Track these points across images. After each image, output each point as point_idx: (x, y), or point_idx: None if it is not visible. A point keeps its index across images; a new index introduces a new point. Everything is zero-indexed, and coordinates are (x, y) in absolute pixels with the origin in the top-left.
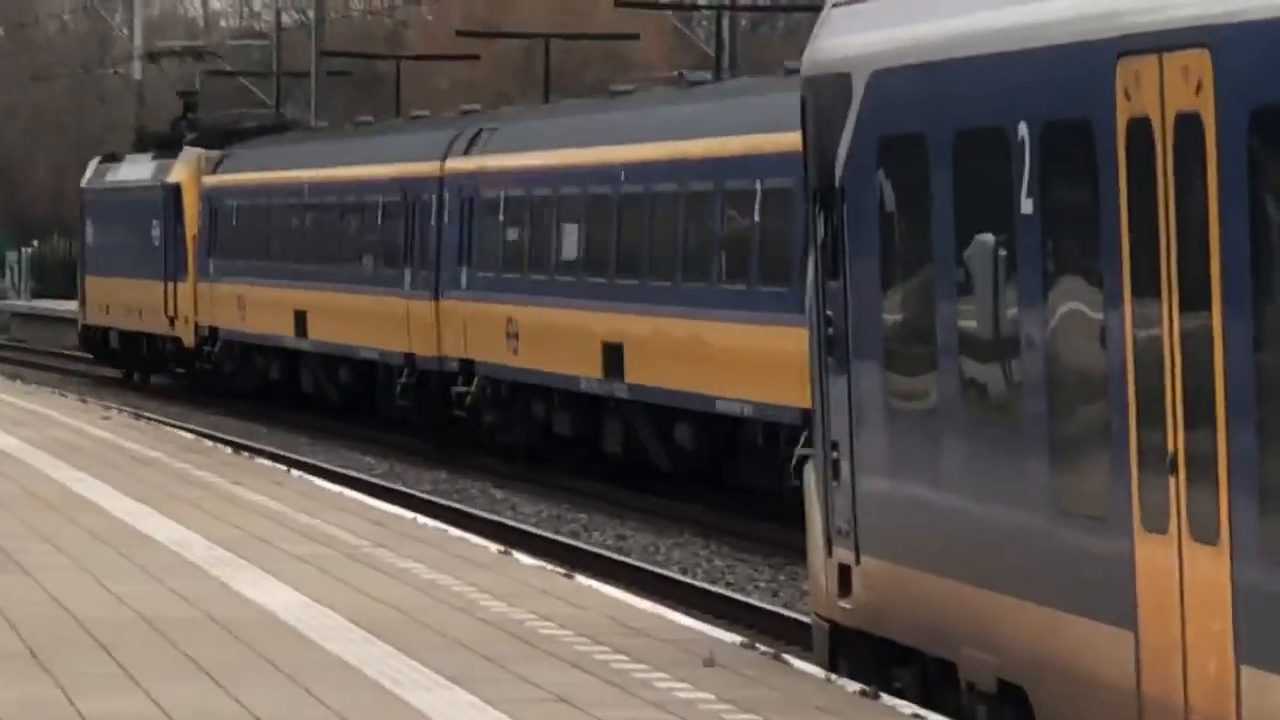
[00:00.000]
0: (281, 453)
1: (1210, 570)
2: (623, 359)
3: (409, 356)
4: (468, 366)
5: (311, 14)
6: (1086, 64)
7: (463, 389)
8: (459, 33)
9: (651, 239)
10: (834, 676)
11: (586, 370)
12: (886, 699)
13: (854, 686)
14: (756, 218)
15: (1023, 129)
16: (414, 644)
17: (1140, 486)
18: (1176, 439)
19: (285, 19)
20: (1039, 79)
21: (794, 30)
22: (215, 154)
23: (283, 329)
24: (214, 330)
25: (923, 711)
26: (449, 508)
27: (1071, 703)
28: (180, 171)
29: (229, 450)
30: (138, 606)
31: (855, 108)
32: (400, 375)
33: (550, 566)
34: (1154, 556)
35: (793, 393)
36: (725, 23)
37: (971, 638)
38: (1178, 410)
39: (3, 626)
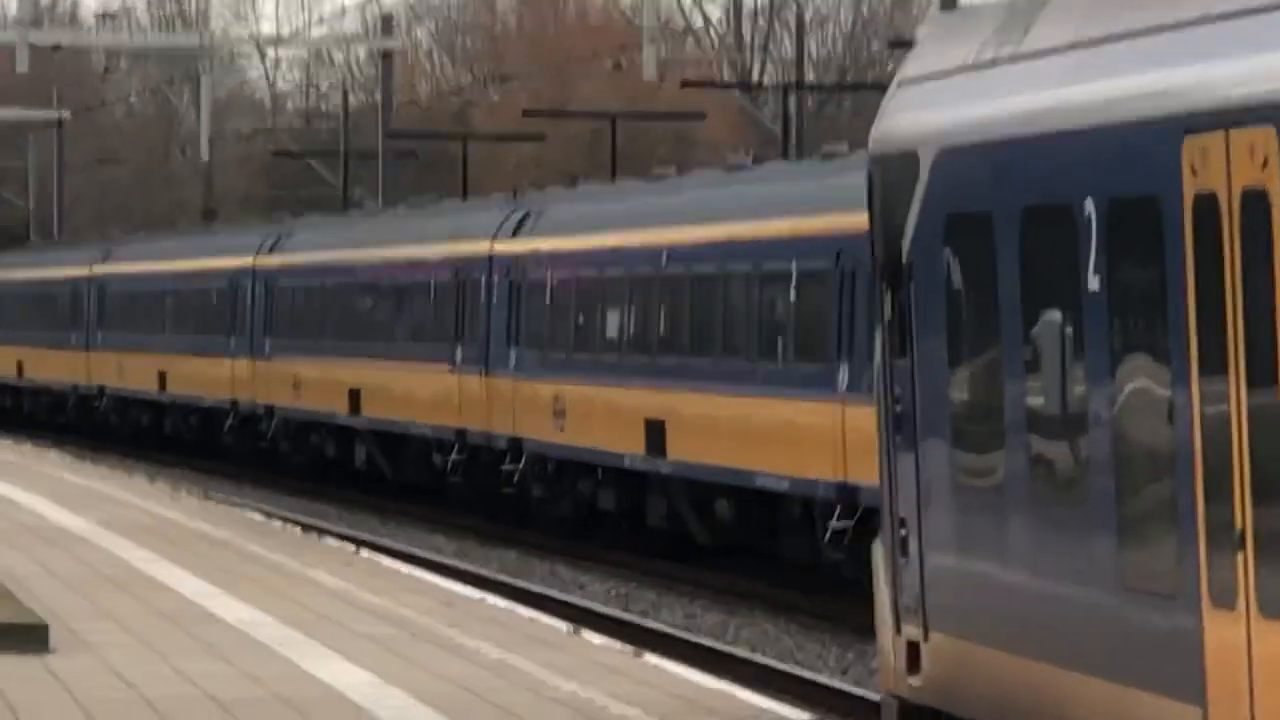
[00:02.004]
0: (351, 533)
1: (1278, 646)
2: None
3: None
4: None
5: (378, 95)
6: (1153, 141)
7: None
8: (525, 112)
9: None
10: None
11: None
12: None
13: None
14: None
15: (1089, 206)
16: None
17: (1208, 562)
18: (1244, 515)
19: (352, 100)
20: (1105, 156)
21: (860, 109)
22: None
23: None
24: None
25: None
26: (518, 587)
27: None
28: None
29: (299, 531)
30: (207, 687)
31: (922, 185)
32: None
33: (619, 645)
34: (1222, 632)
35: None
36: (791, 102)
37: (1040, 714)
38: (1245, 486)
39: (72, 708)
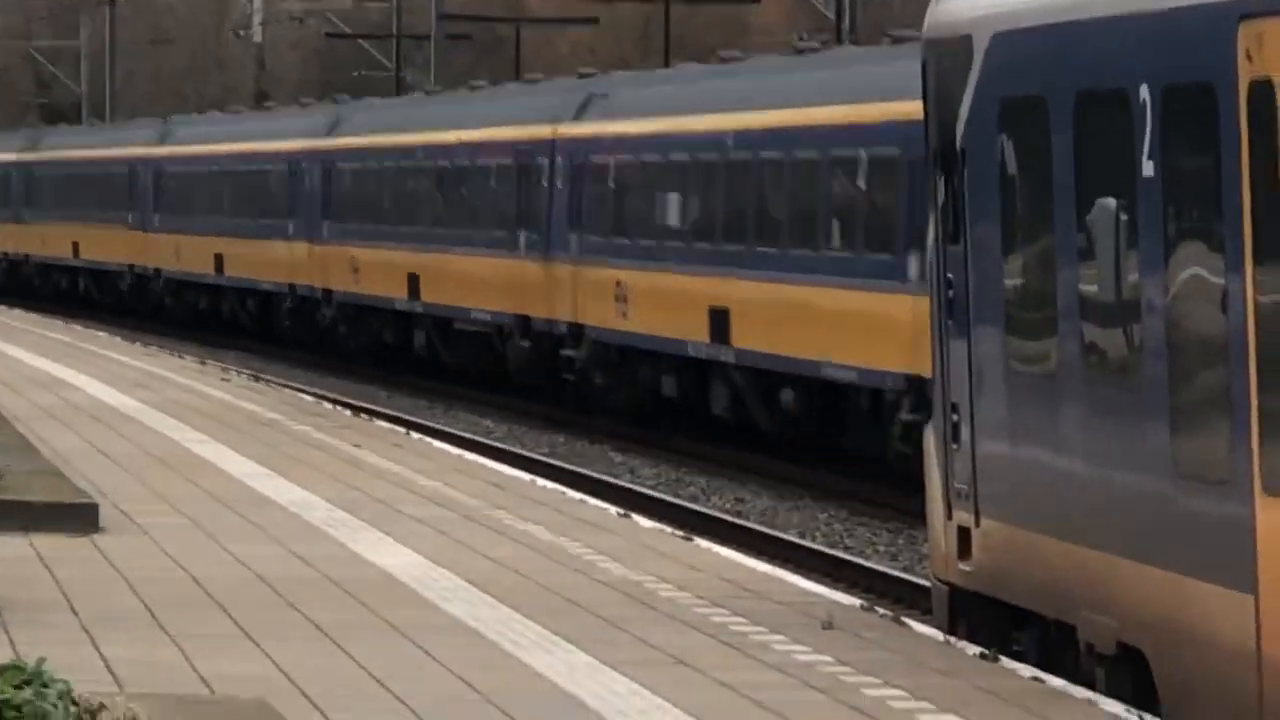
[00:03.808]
0: (401, 415)
1: None
2: None
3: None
4: None
5: None
6: (1208, 26)
7: None
8: None
9: None
10: (953, 639)
11: None
12: (1006, 661)
13: (973, 649)
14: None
15: (1144, 91)
16: (533, 606)
17: (1261, 451)
18: None
19: None
20: (1160, 41)
21: None
22: None
23: None
24: None
25: (1042, 674)
26: (568, 470)
27: (1191, 666)
28: None
29: (348, 413)
30: (257, 568)
31: (976, 70)
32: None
33: (669, 529)
34: (1274, 520)
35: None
36: None
37: (1091, 601)
38: None
39: (122, 587)
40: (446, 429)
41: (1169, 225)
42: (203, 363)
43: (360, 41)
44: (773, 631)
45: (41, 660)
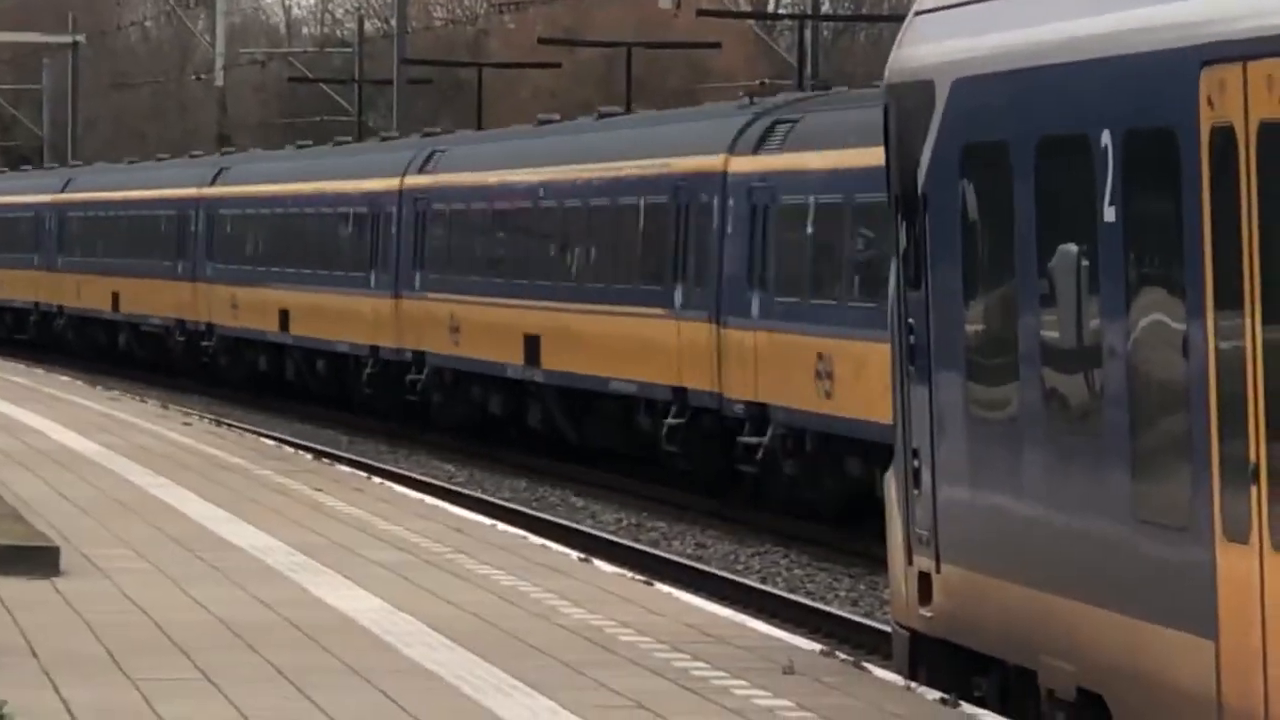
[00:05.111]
0: (362, 459)
1: None
2: None
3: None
4: None
5: (394, 22)
6: (1170, 72)
7: None
8: (541, 41)
9: None
10: (914, 685)
11: None
12: (966, 707)
13: (934, 695)
14: None
15: (1106, 137)
16: (493, 650)
17: (1221, 496)
18: (1258, 449)
19: (368, 27)
20: (1122, 87)
21: (875, 40)
22: None
23: None
24: None
25: None
26: (529, 515)
27: (1151, 711)
28: None
29: (310, 457)
30: (218, 611)
31: (938, 115)
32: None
33: (630, 574)
34: (1235, 566)
35: None
36: (807, 32)
37: (1051, 646)
38: (1259, 420)
39: (83, 630)
40: (408, 473)
41: (1130, 271)
42: (165, 407)
43: (323, 86)
44: (733, 676)
45: (2, 703)
